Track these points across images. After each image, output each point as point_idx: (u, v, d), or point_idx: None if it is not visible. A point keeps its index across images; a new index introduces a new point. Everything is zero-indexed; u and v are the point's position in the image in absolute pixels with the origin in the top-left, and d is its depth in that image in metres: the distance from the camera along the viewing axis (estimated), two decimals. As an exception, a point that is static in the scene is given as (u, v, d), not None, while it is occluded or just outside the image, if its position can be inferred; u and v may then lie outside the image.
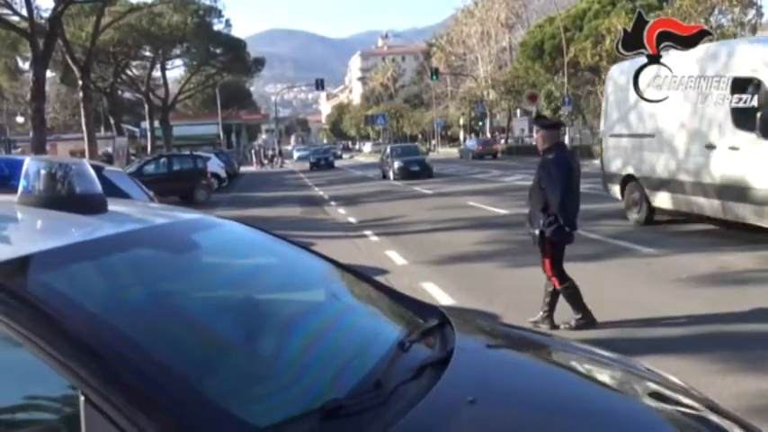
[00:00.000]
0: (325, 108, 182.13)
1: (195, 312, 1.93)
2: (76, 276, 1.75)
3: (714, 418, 2.06)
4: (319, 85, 58.90)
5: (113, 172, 7.77)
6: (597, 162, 29.23)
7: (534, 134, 6.23)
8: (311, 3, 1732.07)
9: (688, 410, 2.09)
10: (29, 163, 2.09)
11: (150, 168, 23.49)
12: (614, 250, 9.07)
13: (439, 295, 7.25)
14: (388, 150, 32.80)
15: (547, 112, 45.50)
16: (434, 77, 58.64)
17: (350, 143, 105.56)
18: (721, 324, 5.57)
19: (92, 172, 2.12)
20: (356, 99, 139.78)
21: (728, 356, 4.80)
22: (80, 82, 28.71)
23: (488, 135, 63.37)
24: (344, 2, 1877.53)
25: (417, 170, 28.47)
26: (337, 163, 54.14)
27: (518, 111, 59.80)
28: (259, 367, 1.78)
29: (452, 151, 61.75)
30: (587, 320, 5.75)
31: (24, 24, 25.92)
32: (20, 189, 2.06)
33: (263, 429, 1.41)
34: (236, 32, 57.17)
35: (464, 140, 61.16)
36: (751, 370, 4.50)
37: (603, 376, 2.24)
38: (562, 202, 5.70)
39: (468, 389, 1.76)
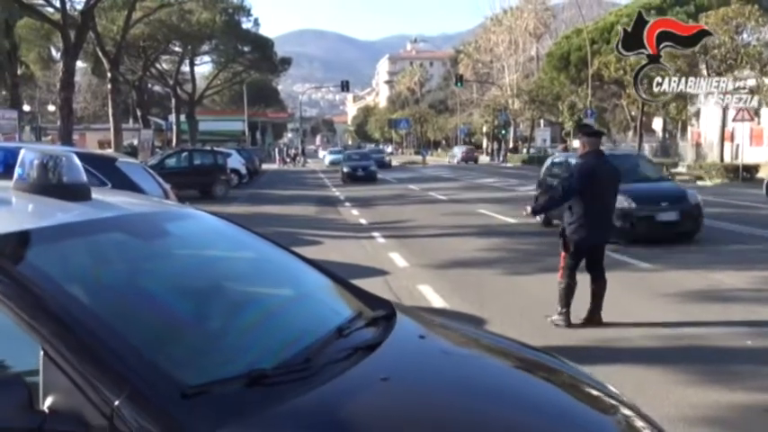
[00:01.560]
0: (352, 110, 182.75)
1: (151, 289, 2.20)
2: (51, 253, 2.02)
3: (638, 423, 2.22)
4: (344, 86, 59.22)
5: (127, 163, 8.03)
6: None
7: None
8: (343, 4, 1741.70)
9: (607, 408, 2.30)
10: (24, 153, 2.37)
11: (171, 162, 24.01)
12: (612, 263, 9.16)
13: (433, 298, 7.45)
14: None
15: (569, 123, 45.55)
16: (459, 84, 58.89)
17: (373, 146, 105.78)
18: (697, 338, 5.73)
19: (79, 164, 2.39)
20: (382, 102, 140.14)
21: (696, 369, 4.96)
22: (109, 74, 29.40)
23: (511, 144, 63.48)
24: (377, 5, 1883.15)
25: (677, 220, 11.18)
26: None
27: (541, 121, 59.70)
28: (200, 339, 2.05)
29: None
30: (564, 319, 6.15)
31: (57, 16, 26.63)
32: (15, 176, 2.35)
33: (191, 387, 1.67)
34: (269, 31, 58.15)
35: (453, 149, 68.86)
36: (714, 383, 4.67)
37: (527, 370, 2.45)
38: (583, 211, 6.10)
39: (386, 369, 2.00)
